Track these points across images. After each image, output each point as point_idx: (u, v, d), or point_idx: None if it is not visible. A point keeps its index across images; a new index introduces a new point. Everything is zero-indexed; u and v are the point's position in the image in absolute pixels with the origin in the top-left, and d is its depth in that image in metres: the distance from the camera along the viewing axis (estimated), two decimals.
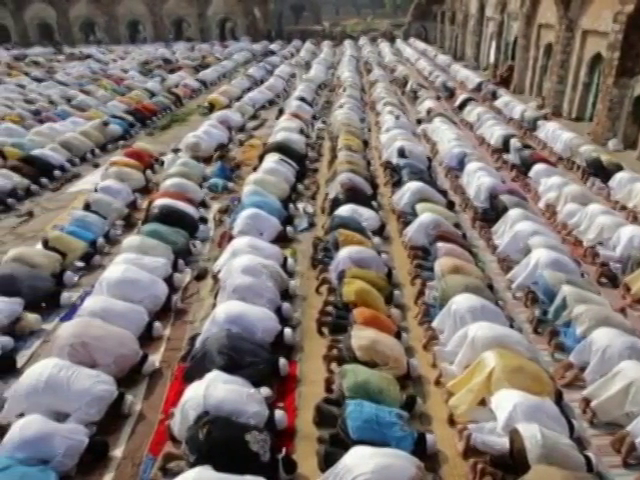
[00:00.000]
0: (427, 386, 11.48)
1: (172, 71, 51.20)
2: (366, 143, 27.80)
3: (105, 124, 30.17)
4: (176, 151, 26.30)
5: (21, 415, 9.90)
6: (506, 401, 9.77)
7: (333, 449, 9.22)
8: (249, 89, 42.77)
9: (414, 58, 58.44)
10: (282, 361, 11.53)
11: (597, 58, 30.47)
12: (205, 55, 63.67)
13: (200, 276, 15.96)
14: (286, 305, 13.64)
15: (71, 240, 16.68)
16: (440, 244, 15.80)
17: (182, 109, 39.04)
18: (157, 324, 13.17)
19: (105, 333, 11.75)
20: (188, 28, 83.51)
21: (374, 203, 19.73)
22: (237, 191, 21.53)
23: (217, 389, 9.92)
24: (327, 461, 8.97)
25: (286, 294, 14.44)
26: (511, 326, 12.53)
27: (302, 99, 36.58)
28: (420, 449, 9.34)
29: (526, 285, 14.57)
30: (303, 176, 23.52)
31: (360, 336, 11.51)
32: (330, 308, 13.52)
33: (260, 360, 11.25)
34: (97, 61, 60.38)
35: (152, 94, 40.43)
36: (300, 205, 20.45)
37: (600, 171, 22.40)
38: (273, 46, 71.33)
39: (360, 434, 9.24)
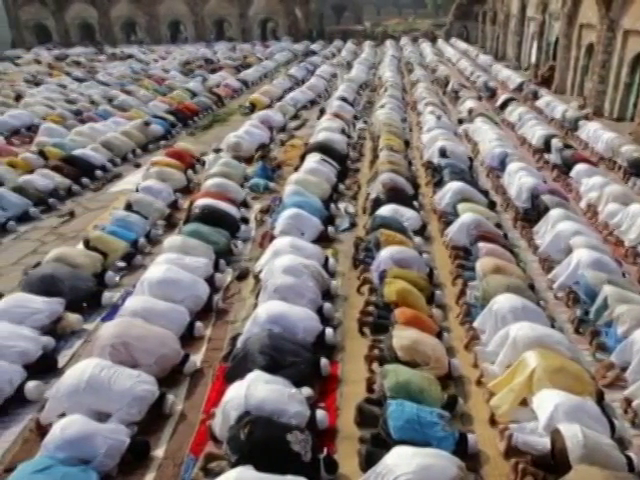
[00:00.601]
0: (468, 386, 11.42)
1: (213, 71, 51.50)
2: (407, 143, 27.77)
3: (146, 124, 30.32)
4: (217, 151, 26.41)
5: (62, 415, 9.90)
6: (547, 401, 9.71)
7: (374, 449, 9.18)
8: (290, 89, 42.82)
9: (455, 58, 58.38)
10: (323, 361, 11.50)
11: (639, 58, 30.22)
12: (246, 55, 63.94)
13: (241, 276, 15.94)
14: (327, 305, 13.57)
15: (112, 240, 16.72)
16: (481, 244, 15.77)
17: (223, 109, 39.13)
18: (198, 324, 13.16)
19: (146, 333, 11.77)
20: (229, 28, 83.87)
21: (415, 203, 19.68)
22: (278, 191, 21.54)
23: (258, 389, 9.88)
24: (368, 461, 8.92)
25: (327, 294, 14.39)
26: (552, 326, 12.42)
27: (343, 99, 36.58)
28: (461, 449, 9.29)
29: (567, 285, 14.45)
30: (344, 176, 23.46)
31: (401, 336, 11.48)
32: (371, 308, 13.42)
33: (301, 360, 11.21)
34: (138, 61, 60.83)
35: (193, 94, 40.50)
36: (341, 205, 20.40)
37: None
38: (314, 46, 71.44)
39: (401, 434, 9.21)
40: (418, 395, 10.11)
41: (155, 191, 20.59)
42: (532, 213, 18.90)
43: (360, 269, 15.60)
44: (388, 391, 10.20)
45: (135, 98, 38.96)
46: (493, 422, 10.30)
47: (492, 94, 39.78)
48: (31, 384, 11.09)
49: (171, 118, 33.34)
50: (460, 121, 32.55)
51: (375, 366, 11.50)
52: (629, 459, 8.94)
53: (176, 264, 14.65)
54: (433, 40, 76.98)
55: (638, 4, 29.53)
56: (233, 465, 8.79)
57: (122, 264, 16.41)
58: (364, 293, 14.51)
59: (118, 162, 26.51)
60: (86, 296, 14.35)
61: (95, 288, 14.73)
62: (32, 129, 31.71)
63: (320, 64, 55.49)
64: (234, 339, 12.38)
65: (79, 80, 47.91)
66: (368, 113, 35.69)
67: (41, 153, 25.57)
